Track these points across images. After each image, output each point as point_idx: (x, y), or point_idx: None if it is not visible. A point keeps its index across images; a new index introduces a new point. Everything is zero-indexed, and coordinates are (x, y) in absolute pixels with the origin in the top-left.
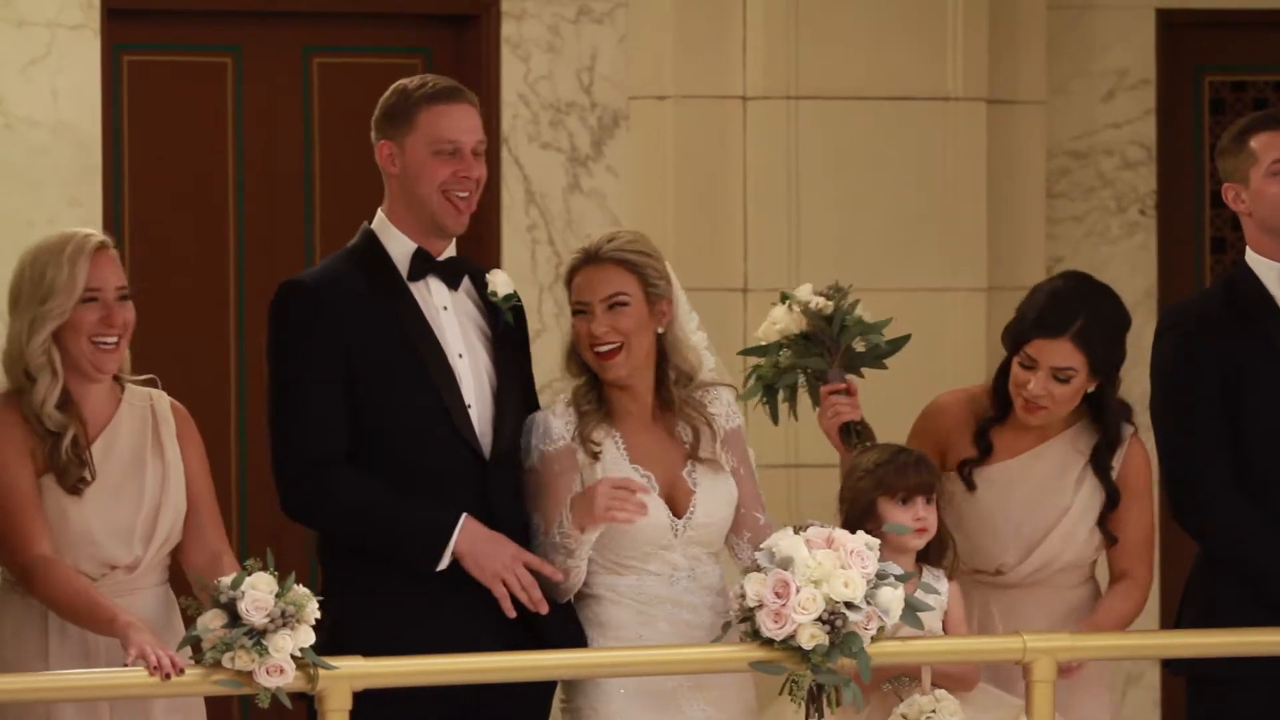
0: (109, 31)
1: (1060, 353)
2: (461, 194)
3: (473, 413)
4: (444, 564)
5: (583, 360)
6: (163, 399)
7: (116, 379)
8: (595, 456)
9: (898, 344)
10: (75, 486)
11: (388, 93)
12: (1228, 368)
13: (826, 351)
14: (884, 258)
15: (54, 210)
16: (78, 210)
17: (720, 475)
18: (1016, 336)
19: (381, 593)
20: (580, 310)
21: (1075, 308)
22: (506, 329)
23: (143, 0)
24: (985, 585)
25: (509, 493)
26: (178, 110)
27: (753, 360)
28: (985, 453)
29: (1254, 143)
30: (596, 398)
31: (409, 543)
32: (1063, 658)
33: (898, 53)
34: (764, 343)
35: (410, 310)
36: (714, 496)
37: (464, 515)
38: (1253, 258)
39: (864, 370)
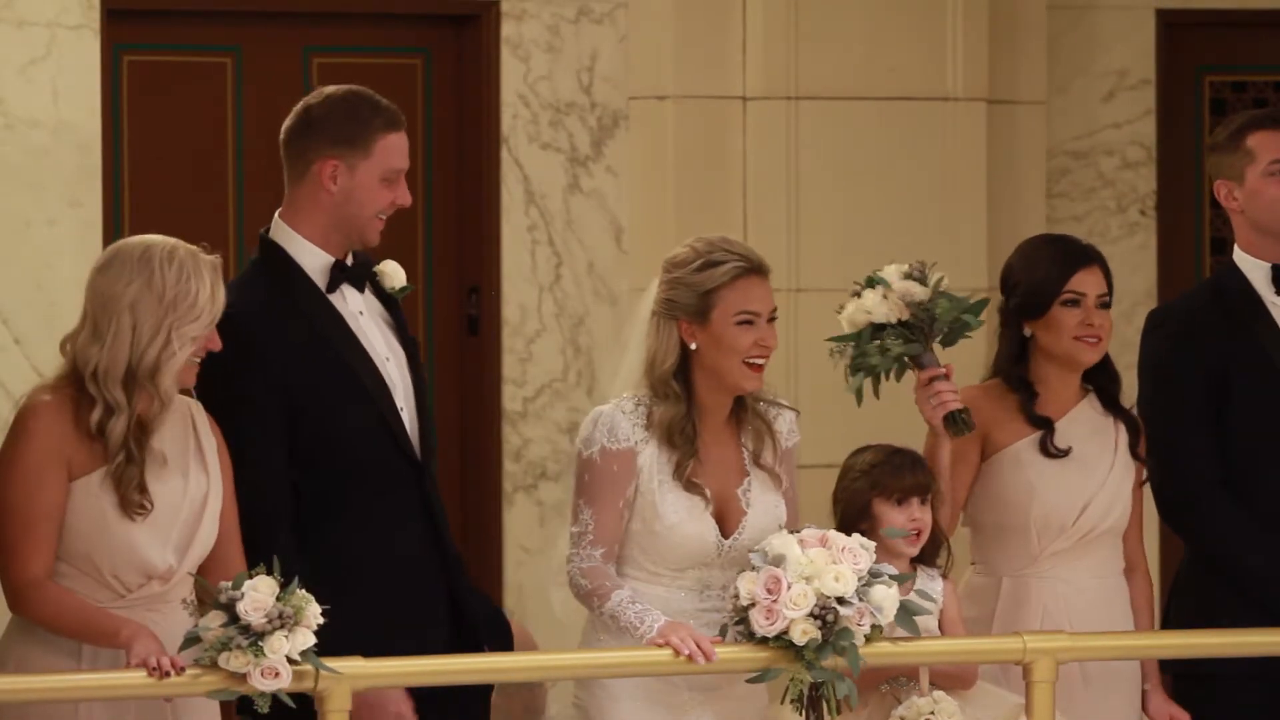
0: (109, 31)
1: (1098, 279)
2: (386, 215)
3: (404, 415)
4: None
5: (684, 381)
6: (201, 412)
7: None
8: (693, 490)
9: (980, 308)
10: (134, 513)
11: (329, 107)
12: (1215, 367)
13: (922, 336)
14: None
15: (54, 210)
16: (78, 210)
17: (774, 496)
18: (1052, 284)
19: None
20: (747, 320)
21: (1088, 245)
22: (403, 319)
23: (143, 0)
24: (1033, 566)
25: (438, 490)
26: (178, 110)
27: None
28: (1049, 425)
29: (1251, 141)
30: (692, 432)
31: None
32: (1063, 658)
33: (898, 53)
34: (851, 329)
35: (335, 323)
36: (765, 519)
37: None
38: (1241, 257)
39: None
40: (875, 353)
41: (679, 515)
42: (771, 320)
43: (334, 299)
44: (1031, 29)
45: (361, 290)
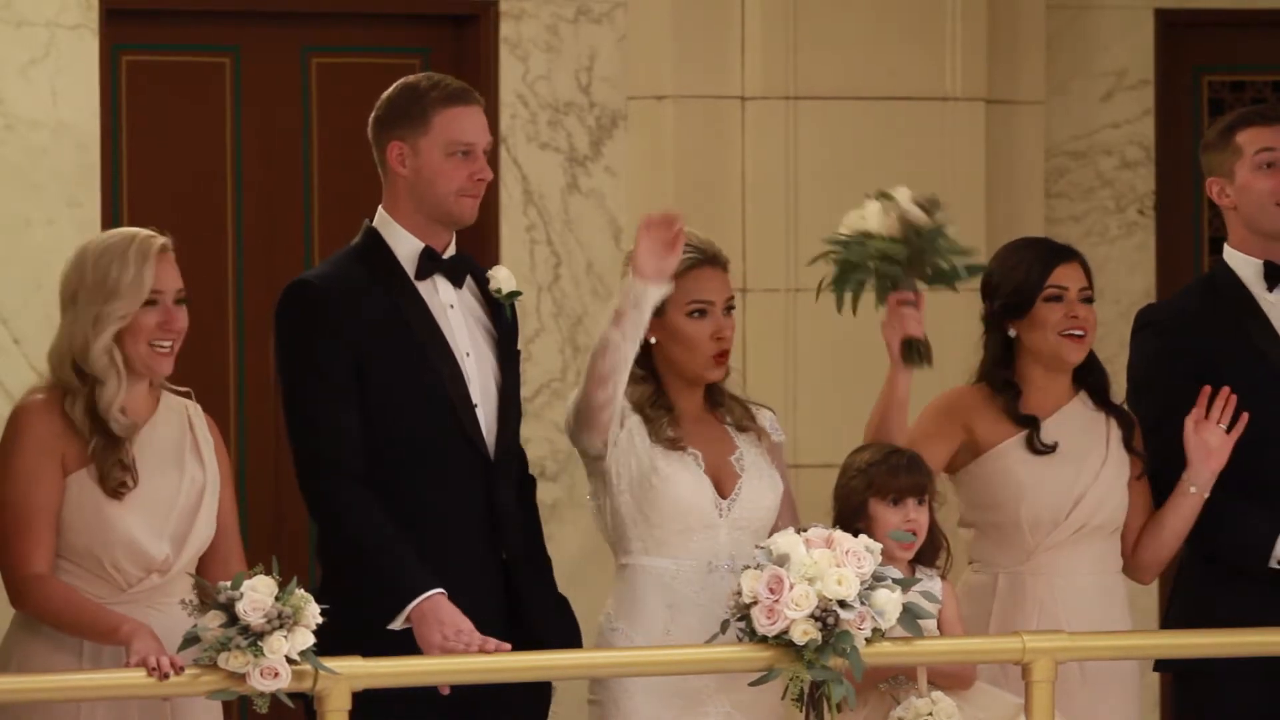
0: (108, 31)
1: (1078, 274)
2: (474, 193)
3: (479, 412)
4: (397, 624)
5: (649, 368)
6: (199, 413)
7: (151, 383)
8: (678, 447)
9: (976, 270)
10: (117, 491)
11: (394, 91)
12: (1204, 364)
13: (906, 261)
14: None
15: (54, 210)
16: (78, 210)
17: (767, 465)
18: (1034, 281)
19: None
20: (700, 310)
21: (1064, 244)
22: (509, 325)
23: (142, 0)
24: (1028, 562)
25: (511, 490)
26: (177, 110)
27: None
28: (1035, 423)
29: (1239, 138)
30: (666, 404)
31: (376, 591)
32: (1062, 658)
33: (897, 53)
34: (845, 234)
35: (418, 309)
36: (760, 483)
37: (434, 591)
38: (1232, 255)
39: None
40: (857, 260)
41: (671, 468)
42: (728, 310)
43: (423, 287)
44: (1030, 29)
45: (459, 285)
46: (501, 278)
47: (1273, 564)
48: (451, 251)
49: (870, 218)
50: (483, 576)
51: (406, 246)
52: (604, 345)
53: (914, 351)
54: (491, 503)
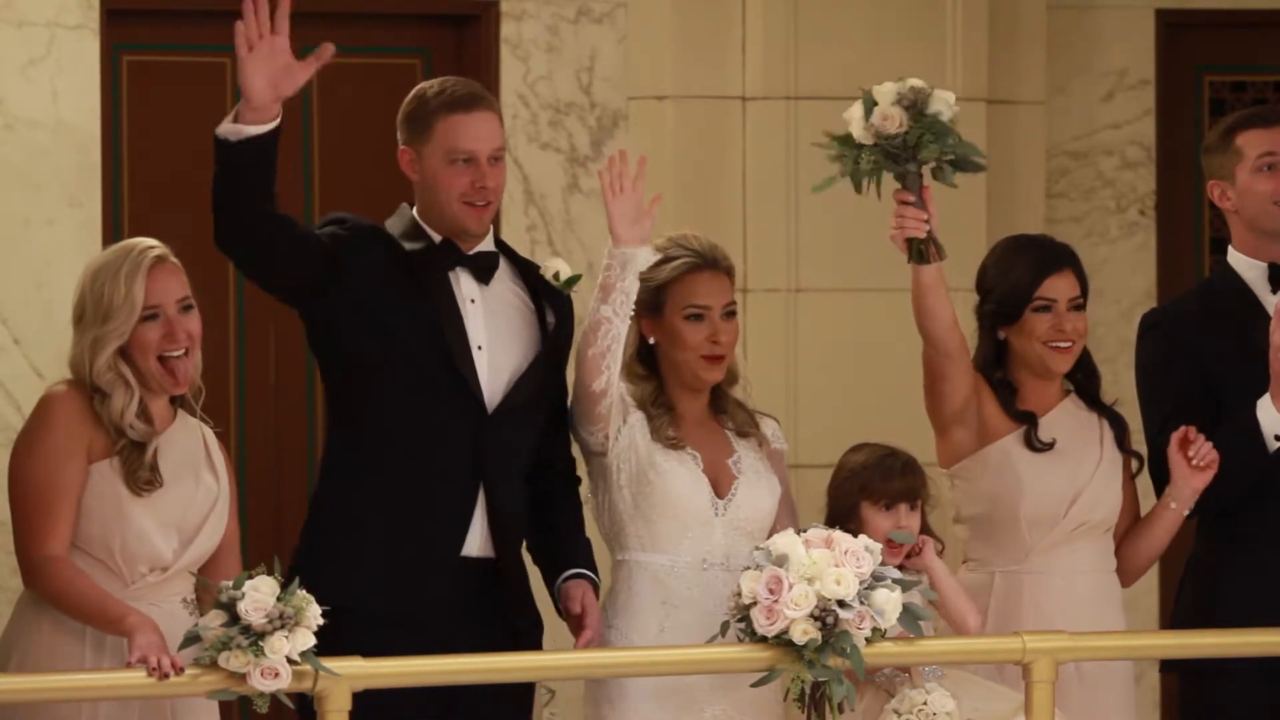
0: (108, 32)
1: (1070, 282)
2: (480, 202)
3: (483, 385)
4: (246, 120)
5: (652, 367)
6: (213, 437)
7: (172, 401)
8: (677, 447)
9: (968, 167)
10: (142, 489)
11: (409, 97)
12: (1208, 366)
13: (900, 161)
14: (884, 258)
15: (54, 210)
16: (78, 210)
17: (765, 469)
18: (1024, 290)
19: (349, 553)
20: (696, 315)
21: (1061, 246)
22: (562, 309)
23: (142, 0)
24: (1025, 561)
25: (504, 450)
26: (178, 110)
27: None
28: (1031, 418)
29: (1240, 140)
30: (668, 404)
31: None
32: (1063, 658)
33: (898, 53)
34: (836, 141)
35: (439, 286)
36: (757, 485)
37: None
38: (1235, 257)
39: None
40: (850, 162)
41: (669, 464)
42: (728, 315)
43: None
44: (1031, 29)
45: (484, 282)
46: (557, 265)
47: (1271, 442)
48: (486, 248)
49: (852, 125)
50: (461, 529)
51: (434, 239)
52: (595, 324)
53: (915, 251)
54: (482, 447)
